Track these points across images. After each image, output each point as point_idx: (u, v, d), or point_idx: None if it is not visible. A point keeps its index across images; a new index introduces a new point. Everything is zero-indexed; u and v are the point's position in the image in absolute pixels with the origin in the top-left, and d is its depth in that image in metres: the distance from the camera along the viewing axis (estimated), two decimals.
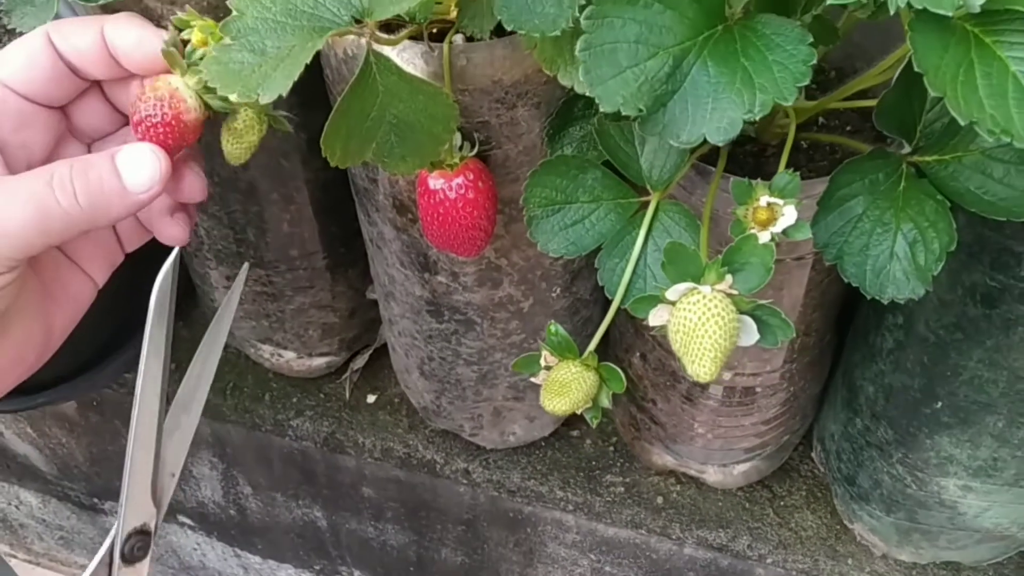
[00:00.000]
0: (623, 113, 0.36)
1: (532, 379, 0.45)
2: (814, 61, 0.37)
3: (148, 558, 0.42)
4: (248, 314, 0.72)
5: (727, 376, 0.60)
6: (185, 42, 0.45)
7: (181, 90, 0.43)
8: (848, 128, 0.53)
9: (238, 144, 0.45)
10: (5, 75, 0.44)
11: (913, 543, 0.64)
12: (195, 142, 0.45)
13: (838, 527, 0.71)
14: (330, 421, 0.79)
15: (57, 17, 0.51)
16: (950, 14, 0.34)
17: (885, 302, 0.42)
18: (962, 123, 0.33)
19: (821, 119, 0.53)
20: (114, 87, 0.47)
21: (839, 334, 0.64)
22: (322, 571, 1.01)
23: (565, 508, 0.76)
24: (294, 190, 0.63)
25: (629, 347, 0.65)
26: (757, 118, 0.37)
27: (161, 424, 0.43)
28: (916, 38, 0.35)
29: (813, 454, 0.73)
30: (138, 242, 0.51)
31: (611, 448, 0.76)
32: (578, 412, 0.44)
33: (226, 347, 0.82)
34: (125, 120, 0.48)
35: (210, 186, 0.61)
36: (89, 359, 0.81)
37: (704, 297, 0.39)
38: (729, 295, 0.39)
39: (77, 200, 0.41)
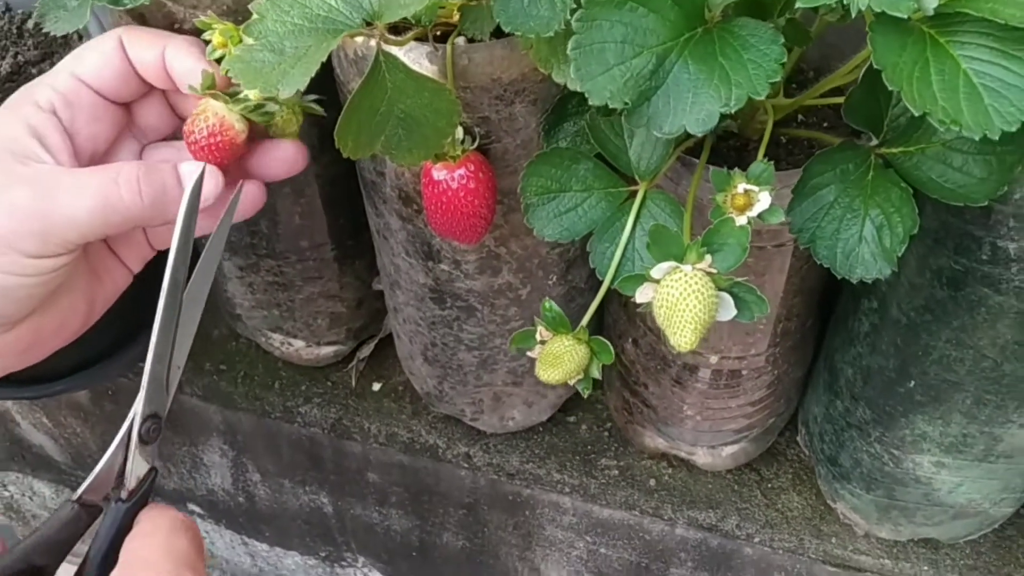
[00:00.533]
0: (611, 106, 0.40)
1: (528, 353, 0.48)
2: (784, 59, 0.40)
3: (159, 440, 0.48)
4: (260, 304, 0.76)
5: (714, 359, 0.63)
6: (207, 42, 0.50)
7: (227, 116, 0.48)
8: (825, 124, 0.56)
9: (281, 137, 0.50)
10: (81, 71, 0.49)
11: (892, 520, 0.68)
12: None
13: (822, 507, 0.75)
14: (337, 408, 0.82)
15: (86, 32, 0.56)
16: (905, 16, 0.37)
17: (854, 282, 0.46)
18: (916, 114, 0.37)
19: (800, 116, 0.57)
20: (174, 94, 0.51)
21: (821, 321, 0.67)
22: (327, 558, 1.04)
23: (562, 491, 0.79)
24: (305, 184, 0.66)
25: (622, 334, 0.68)
26: (733, 111, 0.40)
27: (178, 320, 0.47)
28: (876, 38, 0.39)
29: (798, 437, 0.76)
30: (168, 242, 0.55)
31: (606, 433, 0.80)
32: (571, 383, 0.47)
33: (238, 337, 0.86)
34: (180, 124, 0.52)
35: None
36: (104, 349, 0.85)
37: (685, 275, 0.42)
38: (709, 273, 0.43)
39: (141, 197, 0.46)
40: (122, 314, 0.84)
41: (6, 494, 1.20)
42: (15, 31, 0.79)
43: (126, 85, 0.50)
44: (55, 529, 0.45)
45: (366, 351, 0.83)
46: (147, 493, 0.48)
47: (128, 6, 0.53)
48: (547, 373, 0.46)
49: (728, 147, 0.55)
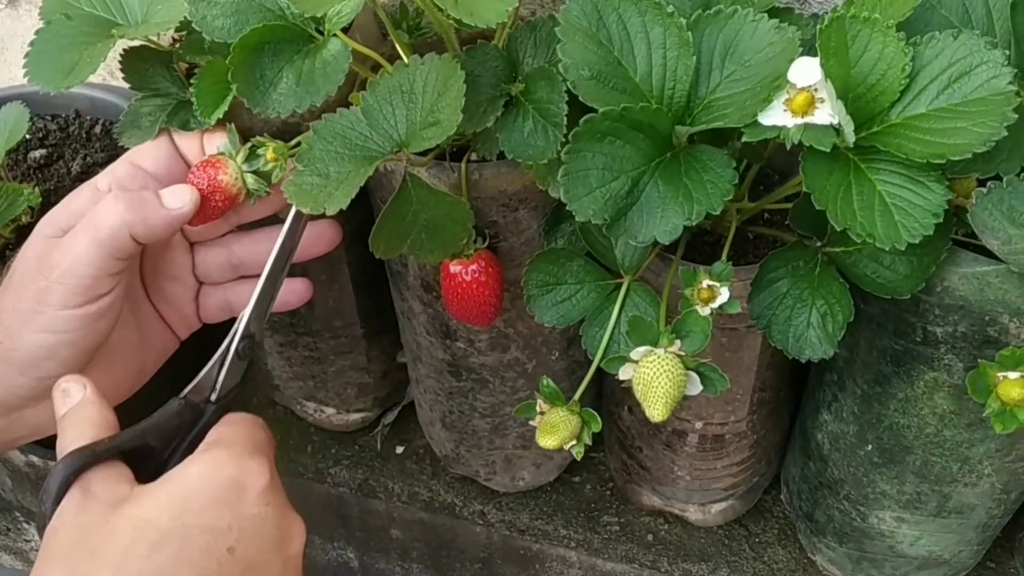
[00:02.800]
0: (593, 221, 0.49)
1: (530, 422, 0.56)
2: (736, 180, 0.49)
3: (248, 360, 0.56)
4: (297, 375, 0.85)
5: (699, 425, 0.72)
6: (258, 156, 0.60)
7: (228, 164, 0.58)
8: (786, 222, 0.65)
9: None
10: (136, 157, 0.60)
11: (864, 571, 0.75)
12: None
13: (805, 560, 0.82)
14: (364, 469, 0.90)
15: None
16: (828, 150, 0.46)
17: (803, 361, 0.54)
18: (838, 229, 0.46)
19: (766, 214, 0.66)
20: None
21: (795, 392, 0.75)
22: None
23: (568, 545, 0.87)
24: (338, 271, 0.76)
25: (619, 402, 0.76)
26: (694, 224, 0.49)
27: (277, 274, 0.57)
28: (807, 166, 0.48)
29: (782, 496, 0.84)
30: (214, 318, 0.64)
31: (608, 492, 0.87)
32: (566, 448, 0.56)
33: (275, 404, 0.95)
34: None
35: None
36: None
37: (659, 357, 0.51)
38: (678, 355, 0.51)
39: (120, 204, 0.54)
40: (169, 386, 0.93)
41: None
42: (84, 135, 0.89)
43: (173, 167, 0.60)
44: (165, 419, 0.53)
45: (390, 417, 0.91)
46: (232, 401, 0.56)
47: (194, 129, 0.63)
48: (545, 440, 0.55)
49: (703, 242, 0.64)
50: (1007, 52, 0.48)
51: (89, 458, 0.47)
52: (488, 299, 0.61)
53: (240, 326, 0.56)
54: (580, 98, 0.50)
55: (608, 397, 0.79)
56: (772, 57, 0.51)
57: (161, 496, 0.46)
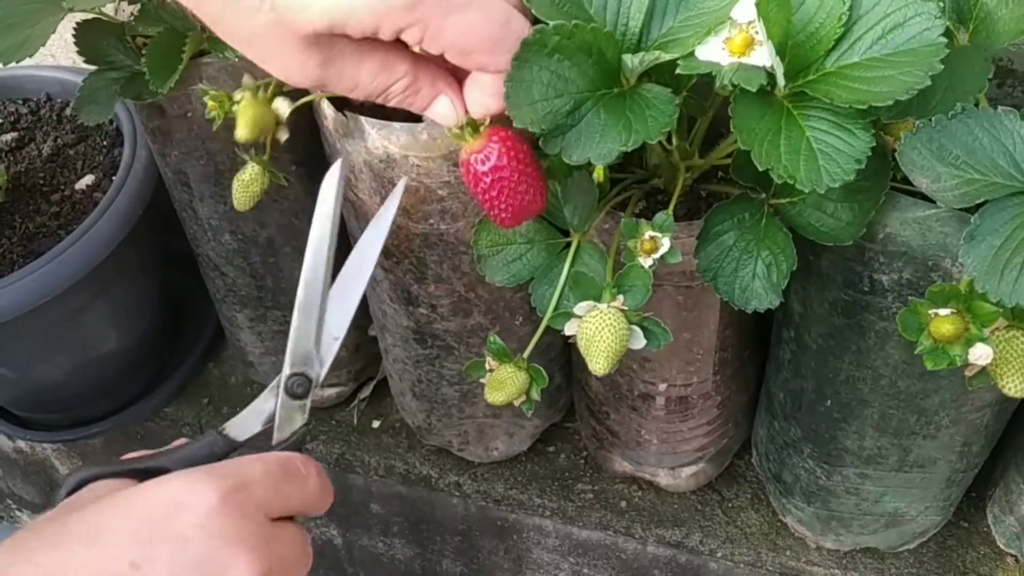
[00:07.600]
0: (530, 130, 0.48)
1: (481, 380, 0.57)
2: (676, 115, 0.48)
3: (309, 397, 0.50)
4: (268, 350, 0.85)
5: (662, 387, 0.72)
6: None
7: None
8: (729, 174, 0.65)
9: (244, 193, 0.58)
10: None
11: (833, 530, 0.75)
12: None
13: (778, 524, 0.82)
14: (340, 444, 0.91)
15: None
16: (754, 90, 0.46)
17: (749, 311, 0.54)
18: (760, 169, 0.46)
19: (720, 173, 0.66)
20: None
21: (760, 353, 0.76)
22: None
23: (543, 514, 0.87)
24: (304, 243, 0.76)
25: (585, 368, 0.76)
26: (630, 149, 0.48)
27: (326, 293, 0.51)
28: (737, 108, 0.48)
29: (752, 459, 0.84)
30: None
31: (582, 460, 0.88)
32: (516, 404, 0.56)
33: (252, 383, 0.96)
34: None
35: (235, 243, 0.75)
36: (134, 397, 0.95)
37: (602, 312, 0.51)
38: (621, 310, 0.52)
39: None
40: (148, 365, 0.94)
41: None
42: (55, 117, 0.90)
43: None
44: (194, 449, 0.48)
45: (366, 392, 0.92)
46: (298, 444, 0.50)
47: (147, 100, 0.64)
48: (493, 395, 0.55)
49: (657, 202, 0.64)
50: (942, 3, 0.48)
51: (98, 473, 0.45)
52: (518, 185, 0.50)
53: (285, 365, 0.50)
54: (534, 13, 0.49)
55: (577, 364, 0.79)
56: (725, 5, 0.51)
57: (110, 499, 0.43)
